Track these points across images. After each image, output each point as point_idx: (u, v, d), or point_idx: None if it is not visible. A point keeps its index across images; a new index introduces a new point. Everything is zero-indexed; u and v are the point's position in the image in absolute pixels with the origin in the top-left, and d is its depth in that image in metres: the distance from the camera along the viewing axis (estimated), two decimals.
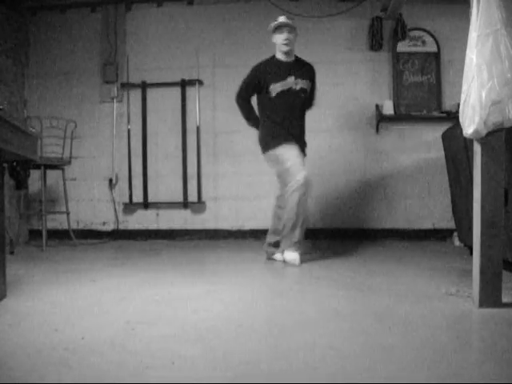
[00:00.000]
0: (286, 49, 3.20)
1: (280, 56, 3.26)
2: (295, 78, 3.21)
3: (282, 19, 3.21)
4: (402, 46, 4.38)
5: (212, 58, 4.62)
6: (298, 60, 3.32)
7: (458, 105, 1.97)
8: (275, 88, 3.20)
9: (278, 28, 3.21)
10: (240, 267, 3.03)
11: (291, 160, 3.10)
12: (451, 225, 4.05)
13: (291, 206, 3.04)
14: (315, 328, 1.66)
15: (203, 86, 4.61)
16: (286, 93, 3.20)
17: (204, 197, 4.61)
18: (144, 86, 4.65)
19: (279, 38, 3.21)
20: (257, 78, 3.24)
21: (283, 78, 3.20)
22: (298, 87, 3.21)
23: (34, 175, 4.28)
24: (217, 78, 4.60)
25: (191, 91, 4.62)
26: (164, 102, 4.66)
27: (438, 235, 4.34)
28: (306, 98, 3.31)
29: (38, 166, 3.90)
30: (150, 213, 4.68)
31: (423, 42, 4.37)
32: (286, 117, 3.21)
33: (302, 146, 3.31)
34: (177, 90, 4.63)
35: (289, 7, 4.44)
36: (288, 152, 3.14)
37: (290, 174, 3.07)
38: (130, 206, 4.69)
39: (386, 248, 3.88)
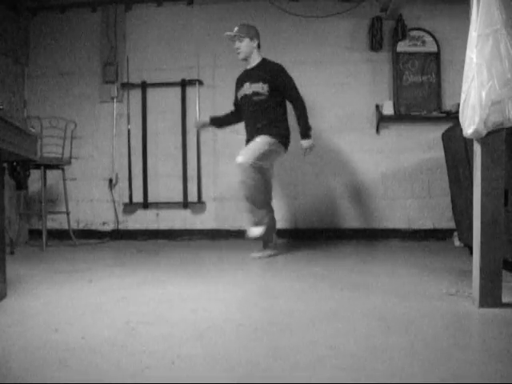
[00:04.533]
0: (239, 57, 3.45)
1: (245, 64, 3.52)
2: (249, 84, 3.40)
3: (228, 33, 3.41)
4: (402, 46, 4.38)
5: (212, 58, 4.62)
6: (262, 64, 3.44)
7: (458, 105, 1.97)
8: (238, 96, 3.53)
9: (231, 40, 3.45)
10: (240, 267, 3.03)
11: None
12: (451, 225, 4.05)
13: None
14: (315, 328, 1.66)
15: (203, 86, 4.61)
16: (244, 99, 3.46)
17: (204, 197, 4.61)
18: (144, 86, 4.65)
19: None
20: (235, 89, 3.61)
21: (242, 85, 3.46)
22: (249, 92, 3.40)
23: (34, 175, 4.28)
24: (217, 77, 4.61)
25: (191, 91, 4.62)
26: (164, 102, 4.66)
27: (438, 235, 4.34)
28: (267, 101, 3.36)
29: (38, 166, 3.90)
30: (150, 213, 4.68)
31: (423, 42, 4.37)
32: (246, 122, 3.52)
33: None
34: (177, 90, 4.63)
35: (289, 7, 4.45)
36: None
37: None
38: (129, 206, 4.69)
39: (385, 248, 3.88)
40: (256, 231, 3.29)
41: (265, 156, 3.24)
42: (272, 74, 3.37)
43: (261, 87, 3.35)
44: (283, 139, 3.39)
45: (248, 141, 3.46)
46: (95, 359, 1.36)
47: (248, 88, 3.39)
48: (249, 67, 3.47)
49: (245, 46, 3.38)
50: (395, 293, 2.17)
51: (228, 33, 3.40)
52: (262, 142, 3.29)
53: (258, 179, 3.19)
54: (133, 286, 2.40)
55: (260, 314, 1.87)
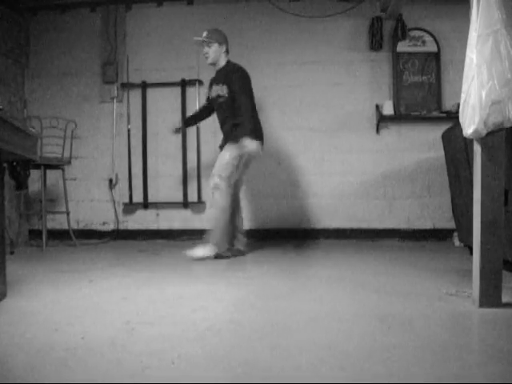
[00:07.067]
0: (207, 62, 3.51)
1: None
2: (215, 85, 3.46)
3: (196, 38, 3.46)
4: (402, 46, 4.38)
5: None
6: (225, 66, 3.46)
7: (458, 105, 1.97)
8: (209, 97, 3.59)
9: (199, 45, 3.55)
10: (240, 267, 3.03)
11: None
12: (451, 225, 4.05)
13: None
14: (315, 328, 1.66)
15: (203, 86, 4.60)
16: (212, 101, 3.51)
17: (204, 197, 4.61)
18: (144, 86, 4.65)
19: None
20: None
21: (211, 87, 3.52)
22: (214, 94, 3.46)
23: (34, 175, 4.28)
24: None
25: (191, 91, 4.62)
26: (164, 102, 4.66)
27: (438, 235, 4.34)
28: (229, 102, 3.35)
29: (37, 166, 3.90)
30: (150, 213, 4.68)
31: (423, 42, 4.37)
32: (218, 121, 3.55)
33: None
34: (177, 90, 4.63)
35: (289, 7, 4.45)
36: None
37: None
38: (129, 206, 4.69)
39: (386, 248, 3.88)
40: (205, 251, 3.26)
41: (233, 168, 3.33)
42: (226, 78, 3.34)
43: (221, 90, 3.38)
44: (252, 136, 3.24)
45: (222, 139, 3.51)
46: (95, 359, 1.36)
47: (214, 90, 3.45)
48: (217, 69, 3.51)
49: (213, 51, 3.41)
50: (395, 293, 2.17)
51: (196, 38, 3.45)
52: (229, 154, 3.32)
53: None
54: (133, 286, 2.40)
55: (260, 314, 1.87)
